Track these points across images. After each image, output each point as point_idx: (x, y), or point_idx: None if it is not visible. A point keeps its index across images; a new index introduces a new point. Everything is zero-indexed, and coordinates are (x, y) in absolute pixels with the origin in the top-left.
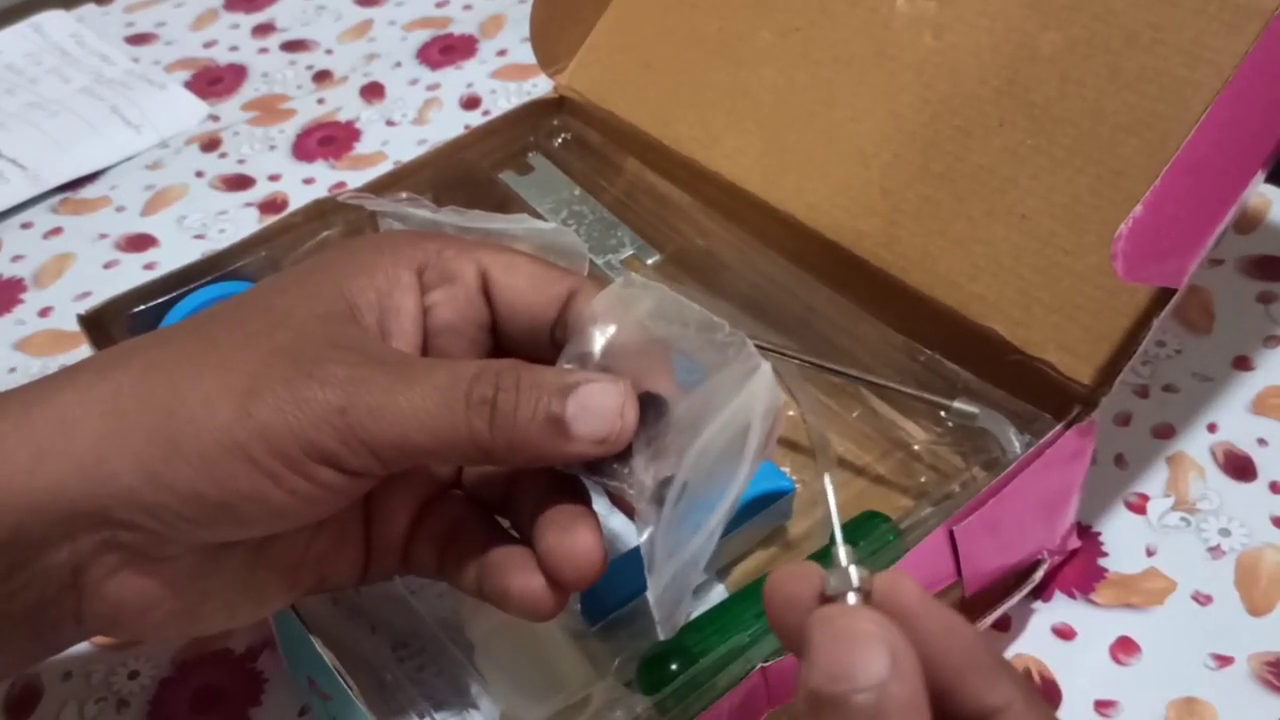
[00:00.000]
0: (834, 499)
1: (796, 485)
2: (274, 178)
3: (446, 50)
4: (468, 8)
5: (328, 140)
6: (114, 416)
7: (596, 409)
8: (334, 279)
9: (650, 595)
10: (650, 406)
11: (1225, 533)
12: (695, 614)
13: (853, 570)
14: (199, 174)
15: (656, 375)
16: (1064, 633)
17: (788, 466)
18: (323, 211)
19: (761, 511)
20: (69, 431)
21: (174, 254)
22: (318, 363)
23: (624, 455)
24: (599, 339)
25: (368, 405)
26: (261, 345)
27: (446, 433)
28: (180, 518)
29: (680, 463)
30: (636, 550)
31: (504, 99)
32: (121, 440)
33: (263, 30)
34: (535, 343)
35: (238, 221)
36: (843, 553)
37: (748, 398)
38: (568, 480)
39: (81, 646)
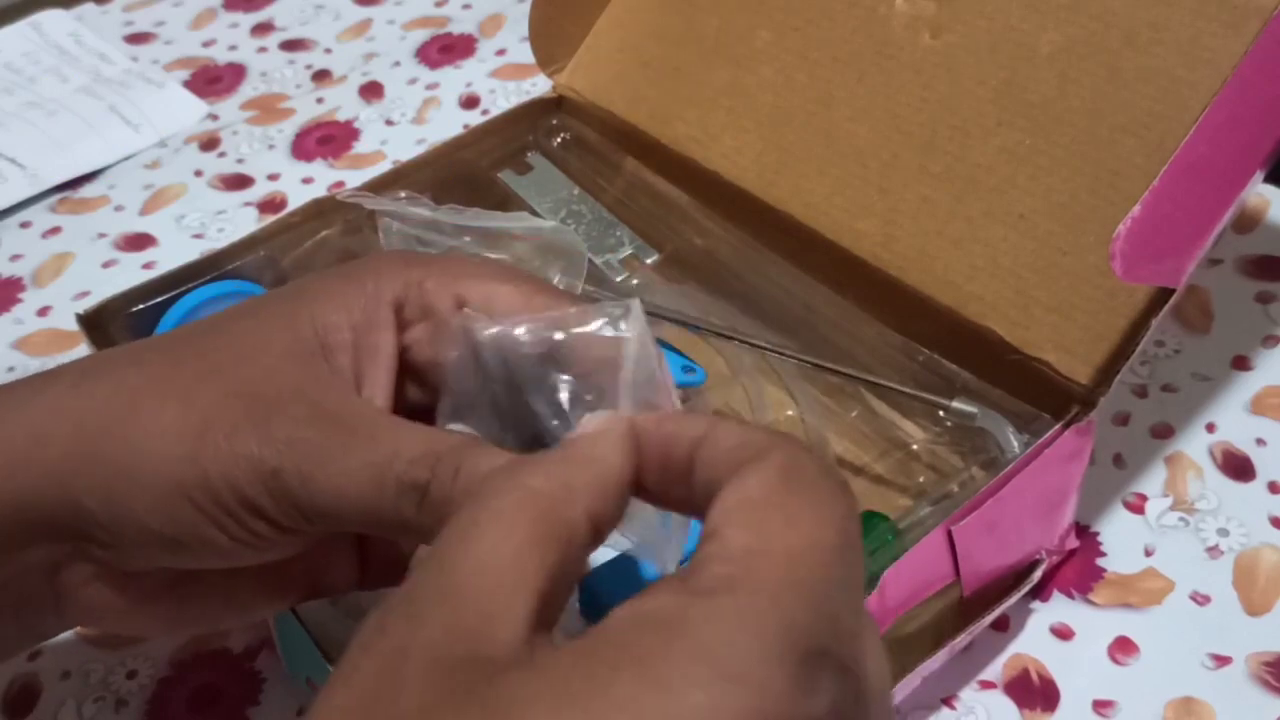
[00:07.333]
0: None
1: None
2: (273, 177)
3: (445, 49)
4: (467, 7)
5: (326, 139)
6: (80, 438)
7: None
8: (309, 314)
9: None
10: None
11: (1223, 533)
12: None
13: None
14: (198, 173)
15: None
16: (1062, 633)
17: None
18: (321, 211)
19: None
20: (42, 443)
21: (173, 253)
22: (269, 414)
23: None
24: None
25: (299, 471)
26: (225, 381)
27: (372, 510)
28: (137, 545)
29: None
30: (634, 550)
31: (503, 98)
32: (85, 463)
33: (261, 29)
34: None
35: (236, 221)
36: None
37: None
38: None
39: (80, 646)
